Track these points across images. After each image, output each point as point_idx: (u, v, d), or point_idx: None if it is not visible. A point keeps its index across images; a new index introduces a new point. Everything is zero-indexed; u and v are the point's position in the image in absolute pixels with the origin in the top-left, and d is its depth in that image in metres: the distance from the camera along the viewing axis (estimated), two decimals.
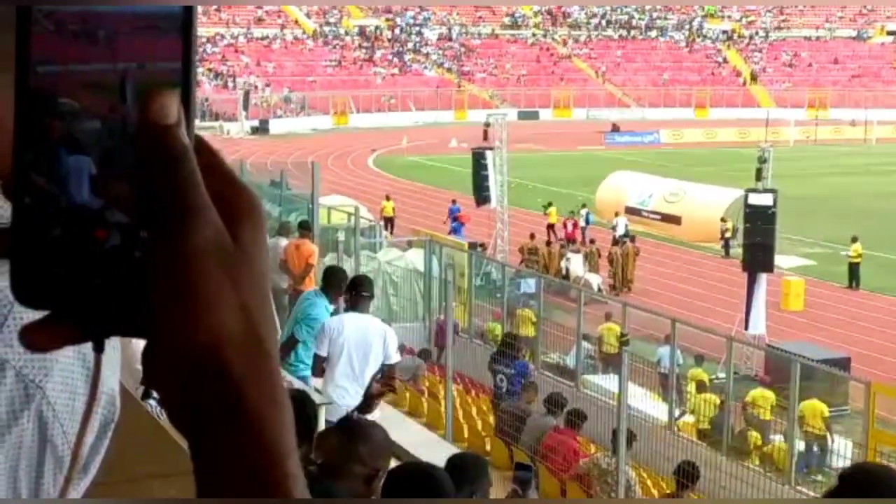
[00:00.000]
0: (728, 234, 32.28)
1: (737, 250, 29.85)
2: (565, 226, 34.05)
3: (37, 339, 0.70)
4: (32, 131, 0.69)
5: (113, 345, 1.04)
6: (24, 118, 0.69)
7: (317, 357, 9.38)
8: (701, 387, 17.45)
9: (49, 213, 0.68)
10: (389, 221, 34.10)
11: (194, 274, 0.67)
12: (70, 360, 0.97)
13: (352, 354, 9.12)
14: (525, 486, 9.79)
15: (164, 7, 0.69)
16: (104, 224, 0.69)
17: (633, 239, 30.45)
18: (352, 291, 9.59)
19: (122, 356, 1.07)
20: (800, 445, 15.09)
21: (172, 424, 0.71)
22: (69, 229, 0.68)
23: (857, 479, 3.41)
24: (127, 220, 0.69)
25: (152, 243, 0.68)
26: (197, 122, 0.72)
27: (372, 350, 9.05)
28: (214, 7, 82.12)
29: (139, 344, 0.70)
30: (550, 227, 34.65)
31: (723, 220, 32.18)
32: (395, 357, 9.23)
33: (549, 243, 30.37)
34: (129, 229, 0.69)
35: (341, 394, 8.94)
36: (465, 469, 5.93)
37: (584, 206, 35.29)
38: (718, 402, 16.43)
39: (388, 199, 36.39)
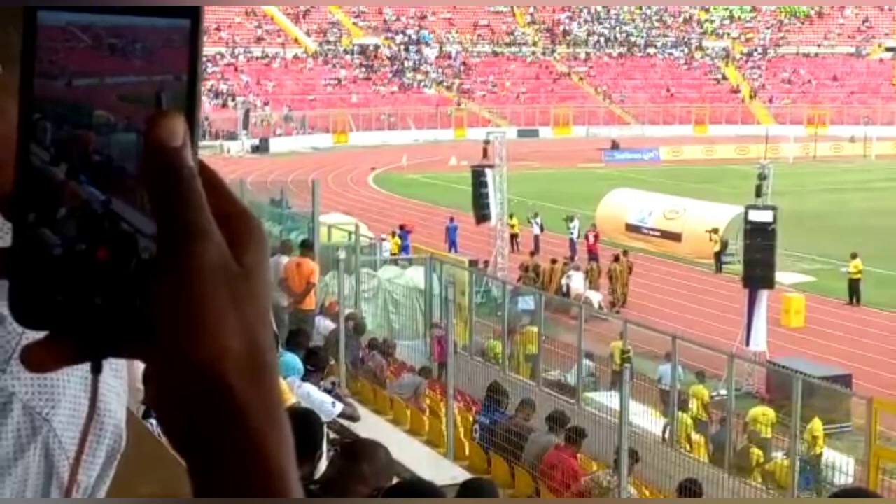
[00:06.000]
0: (716, 248, 32.20)
1: (730, 266, 29.84)
2: (587, 238, 34.15)
3: (36, 360, 0.70)
4: (32, 164, 0.68)
5: (120, 375, 1.03)
6: (28, 138, 0.68)
7: None
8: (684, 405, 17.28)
9: (50, 233, 0.68)
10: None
11: (198, 294, 0.68)
12: (78, 393, 0.97)
13: None
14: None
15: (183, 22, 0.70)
16: (106, 243, 0.69)
17: (625, 253, 30.45)
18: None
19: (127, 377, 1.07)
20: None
21: (170, 442, 0.71)
22: (70, 249, 0.68)
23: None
24: (130, 240, 0.69)
25: (157, 263, 0.68)
26: None
27: None
28: (214, 26, 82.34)
29: (141, 364, 0.70)
30: (514, 237, 34.68)
31: (714, 230, 32.07)
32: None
33: (553, 261, 30.37)
34: (132, 249, 0.69)
35: None
36: (480, 494, 5.99)
37: (592, 225, 35.26)
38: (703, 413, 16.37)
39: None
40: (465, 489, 5.82)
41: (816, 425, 16.05)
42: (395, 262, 23.22)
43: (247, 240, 0.71)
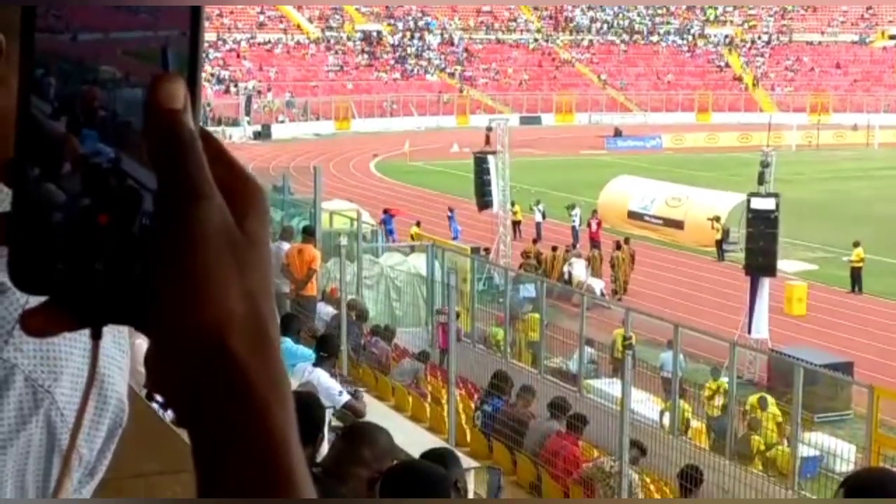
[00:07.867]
0: (718, 236, 32.18)
1: (732, 254, 29.81)
2: (590, 226, 34.14)
3: (35, 325, 0.69)
4: (35, 119, 0.68)
5: (124, 349, 1.03)
6: (27, 105, 0.68)
7: None
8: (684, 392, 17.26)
9: (55, 188, 0.67)
10: None
11: (202, 259, 0.67)
12: (80, 366, 0.97)
13: None
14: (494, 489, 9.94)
15: None
16: (109, 204, 0.68)
17: (627, 241, 30.45)
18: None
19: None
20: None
21: (173, 411, 0.70)
22: (74, 206, 0.67)
23: (862, 484, 3.39)
24: (134, 198, 0.68)
25: (160, 227, 0.67)
26: None
27: None
28: (217, 12, 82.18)
29: (142, 346, 0.69)
30: (516, 224, 34.63)
31: (716, 219, 32.03)
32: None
33: (554, 248, 30.36)
34: (135, 209, 0.68)
35: None
36: (442, 459, 5.96)
37: (594, 211, 35.25)
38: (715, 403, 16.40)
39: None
40: (427, 457, 5.75)
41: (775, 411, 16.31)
42: (413, 249, 23.10)
43: (249, 207, 0.70)
